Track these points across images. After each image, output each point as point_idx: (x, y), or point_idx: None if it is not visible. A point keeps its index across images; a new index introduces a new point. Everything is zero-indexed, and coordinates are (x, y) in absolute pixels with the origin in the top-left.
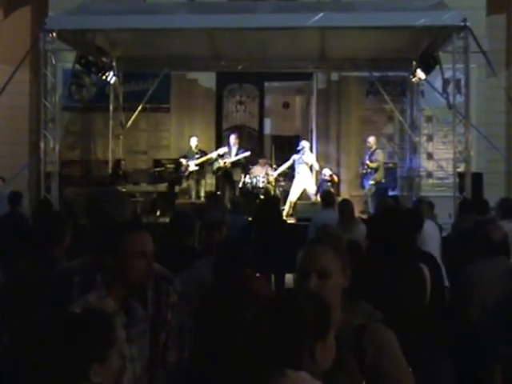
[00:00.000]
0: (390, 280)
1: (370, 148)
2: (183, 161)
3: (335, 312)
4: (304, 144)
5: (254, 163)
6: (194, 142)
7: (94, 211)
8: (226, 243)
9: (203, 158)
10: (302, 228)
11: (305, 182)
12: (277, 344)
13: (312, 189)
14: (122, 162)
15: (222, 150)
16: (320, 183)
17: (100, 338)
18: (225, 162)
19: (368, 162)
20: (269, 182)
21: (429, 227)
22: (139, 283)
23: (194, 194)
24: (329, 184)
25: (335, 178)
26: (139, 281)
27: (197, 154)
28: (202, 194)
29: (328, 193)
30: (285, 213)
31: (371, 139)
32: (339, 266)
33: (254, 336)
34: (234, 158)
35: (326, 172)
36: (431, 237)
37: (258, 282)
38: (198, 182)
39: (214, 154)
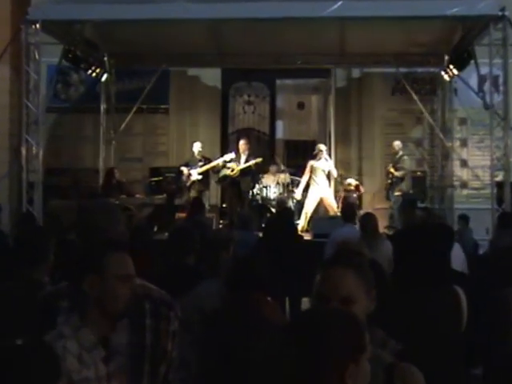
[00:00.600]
0: (420, 304)
1: (396, 154)
2: (184, 169)
3: None
4: (321, 147)
5: (265, 171)
6: (197, 147)
7: (84, 226)
8: (237, 262)
9: (207, 166)
10: (319, 245)
11: (322, 192)
12: (304, 373)
13: (330, 200)
14: (116, 171)
15: (228, 156)
16: (344, 195)
17: (41, 372)
18: (232, 170)
19: (393, 170)
20: (281, 193)
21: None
22: (120, 312)
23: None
24: (354, 196)
25: (362, 190)
26: (121, 309)
27: (200, 161)
28: (206, 206)
29: (349, 205)
30: (300, 227)
31: (397, 144)
32: (364, 289)
33: (278, 367)
34: (243, 165)
35: (351, 181)
36: (455, 255)
37: (269, 307)
38: (200, 194)
39: (219, 161)
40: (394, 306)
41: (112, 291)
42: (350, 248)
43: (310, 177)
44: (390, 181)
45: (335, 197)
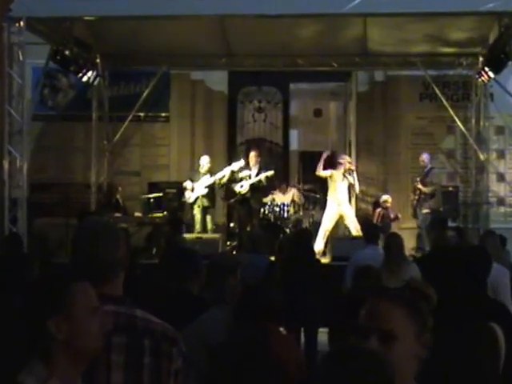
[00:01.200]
0: (449, 343)
1: (424, 168)
2: (188, 184)
3: None
4: (347, 158)
5: (279, 187)
6: (204, 161)
7: (78, 250)
8: (246, 289)
9: (214, 178)
10: (338, 269)
11: (341, 208)
12: None
13: (351, 218)
14: (119, 189)
15: (237, 165)
16: (382, 213)
17: None
18: (242, 186)
19: (420, 185)
20: (296, 211)
21: (497, 271)
22: (93, 353)
23: (199, 226)
24: (393, 214)
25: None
26: (95, 348)
27: (205, 175)
28: (210, 226)
29: (371, 225)
30: (317, 249)
31: (425, 157)
32: (411, 329)
33: None
34: (253, 180)
35: (387, 198)
36: (501, 284)
37: (281, 339)
38: (205, 211)
39: (226, 172)
40: None
41: (83, 329)
42: (373, 275)
43: (328, 189)
44: (417, 197)
45: (357, 214)
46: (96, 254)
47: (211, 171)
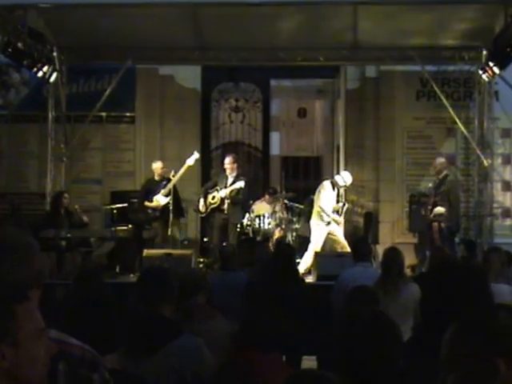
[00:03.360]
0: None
1: (439, 174)
2: (152, 204)
3: None
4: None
5: (258, 197)
6: (157, 167)
7: None
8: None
9: (172, 182)
10: (324, 289)
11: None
12: None
13: (337, 233)
14: (65, 196)
15: (192, 159)
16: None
17: None
18: (214, 197)
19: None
20: (278, 224)
21: (502, 291)
22: (38, 381)
23: (161, 240)
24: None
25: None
26: (39, 377)
27: (161, 181)
28: (179, 240)
29: (362, 240)
30: (302, 268)
31: (440, 161)
32: None
33: None
34: (228, 190)
35: (441, 210)
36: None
37: (272, 369)
38: (165, 224)
39: (182, 170)
40: (416, 376)
41: (29, 356)
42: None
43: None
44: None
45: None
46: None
47: (164, 175)
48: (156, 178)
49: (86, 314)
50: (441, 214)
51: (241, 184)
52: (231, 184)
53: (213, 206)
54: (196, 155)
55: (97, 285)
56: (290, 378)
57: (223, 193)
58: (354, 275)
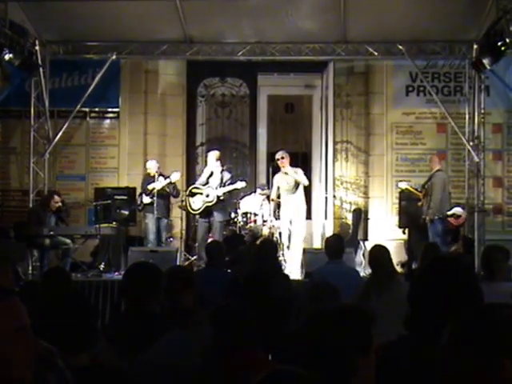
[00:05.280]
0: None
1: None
2: (150, 187)
3: None
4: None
5: (247, 194)
6: (152, 166)
7: None
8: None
9: (156, 188)
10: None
11: (291, 214)
12: None
13: (298, 224)
14: (56, 199)
15: (177, 175)
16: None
17: None
18: (208, 195)
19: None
20: (265, 221)
21: (500, 289)
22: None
23: (151, 236)
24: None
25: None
26: (20, 380)
27: (159, 176)
28: (164, 236)
29: (335, 237)
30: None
31: (436, 158)
32: None
33: None
34: (220, 190)
35: (461, 212)
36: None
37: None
38: (159, 221)
39: (160, 184)
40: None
41: (12, 354)
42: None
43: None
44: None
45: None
46: None
47: (160, 173)
48: (152, 175)
49: (51, 311)
50: (459, 216)
51: (242, 184)
52: (222, 181)
53: (207, 205)
54: (177, 175)
55: (63, 283)
56: (265, 376)
57: (220, 191)
58: (325, 273)
